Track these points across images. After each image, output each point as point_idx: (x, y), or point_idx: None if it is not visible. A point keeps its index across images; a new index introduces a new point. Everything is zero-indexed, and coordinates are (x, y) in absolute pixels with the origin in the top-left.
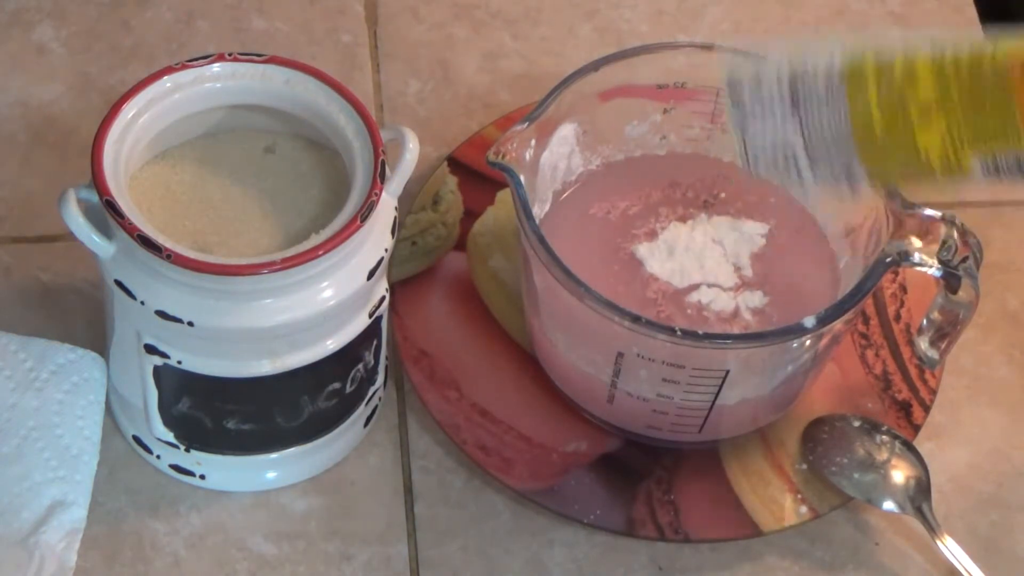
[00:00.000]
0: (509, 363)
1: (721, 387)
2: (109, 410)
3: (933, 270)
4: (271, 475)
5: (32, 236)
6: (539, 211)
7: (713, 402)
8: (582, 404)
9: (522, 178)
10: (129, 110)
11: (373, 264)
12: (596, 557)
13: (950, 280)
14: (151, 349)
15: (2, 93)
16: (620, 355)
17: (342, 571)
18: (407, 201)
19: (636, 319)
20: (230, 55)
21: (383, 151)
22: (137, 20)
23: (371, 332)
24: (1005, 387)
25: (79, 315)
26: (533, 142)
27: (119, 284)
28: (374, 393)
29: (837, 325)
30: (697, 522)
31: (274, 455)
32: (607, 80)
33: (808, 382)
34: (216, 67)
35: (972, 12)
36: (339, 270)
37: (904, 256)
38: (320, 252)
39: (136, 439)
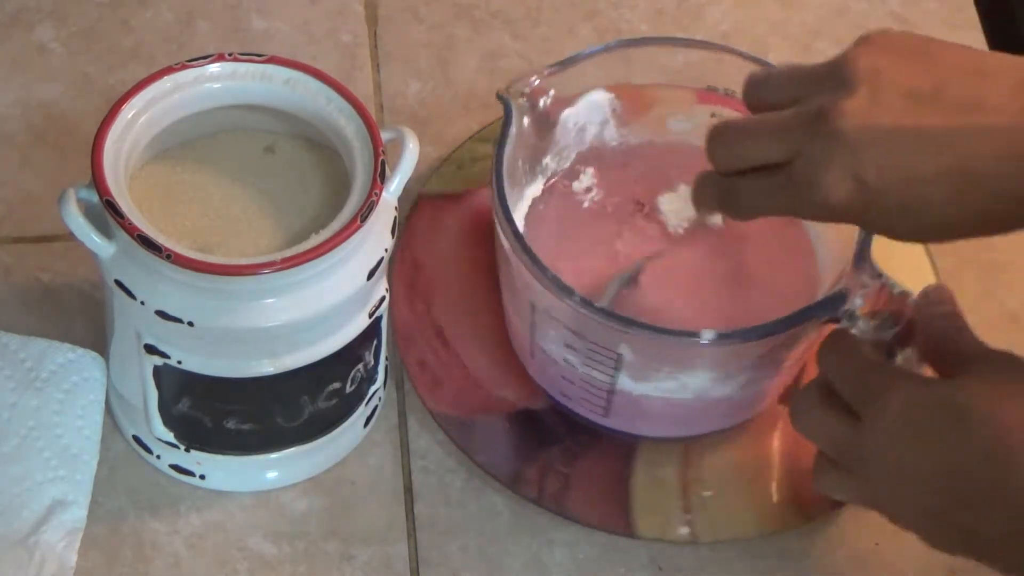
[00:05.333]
0: (486, 302)
1: (617, 370)
2: (109, 410)
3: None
4: (271, 475)
5: (32, 236)
6: (555, 165)
7: (613, 385)
8: (517, 353)
9: (526, 122)
10: (129, 110)
11: (373, 264)
12: (596, 557)
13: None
14: (151, 349)
15: (2, 93)
16: (533, 307)
17: (342, 571)
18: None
19: (542, 270)
20: (230, 55)
21: (383, 151)
22: (137, 20)
23: (371, 332)
24: None
25: (79, 315)
26: (552, 92)
27: (119, 284)
28: (374, 393)
29: (744, 349)
30: (578, 501)
31: (274, 455)
32: (645, 61)
33: (738, 402)
34: (216, 67)
35: (972, 12)
36: (339, 270)
37: (842, 315)
38: (320, 252)
39: (136, 439)
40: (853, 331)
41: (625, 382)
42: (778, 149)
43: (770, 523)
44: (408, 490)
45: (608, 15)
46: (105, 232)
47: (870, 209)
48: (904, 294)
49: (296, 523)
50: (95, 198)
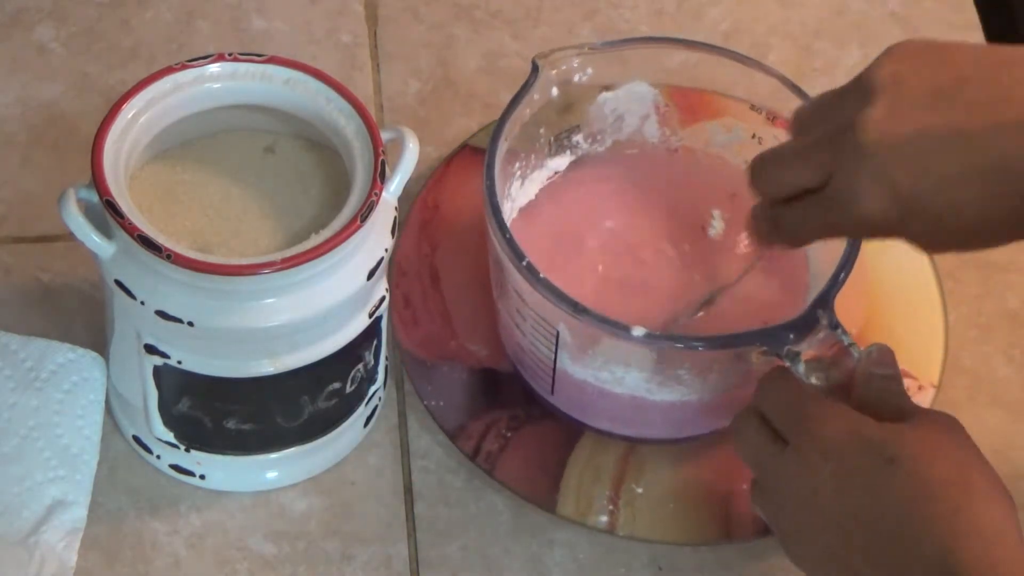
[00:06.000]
0: (485, 261)
1: (558, 348)
2: (109, 410)
3: (806, 380)
4: (271, 475)
5: (32, 236)
6: (587, 145)
7: (555, 363)
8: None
9: (555, 92)
10: (129, 110)
11: (373, 264)
12: (596, 557)
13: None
14: (151, 349)
15: (2, 93)
16: (497, 263)
17: (342, 571)
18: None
19: (502, 227)
20: (230, 55)
21: (383, 151)
22: (137, 20)
23: (371, 332)
24: (1005, 387)
25: (79, 315)
26: (590, 70)
27: (119, 284)
28: (374, 393)
29: (673, 356)
30: (510, 465)
31: (274, 455)
32: (693, 64)
33: (681, 414)
34: (216, 67)
35: (972, 12)
36: (339, 270)
37: (784, 354)
38: (320, 252)
39: (136, 439)
40: (794, 372)
41: (566, 362)
42: (812, 172)
43: (692, 534)
44: (408, 490)
45: (608, 15)
46: (105, 232)
47: (909, 217)
48: (851, 348)
49: (296, 523)
50: (95, 198)
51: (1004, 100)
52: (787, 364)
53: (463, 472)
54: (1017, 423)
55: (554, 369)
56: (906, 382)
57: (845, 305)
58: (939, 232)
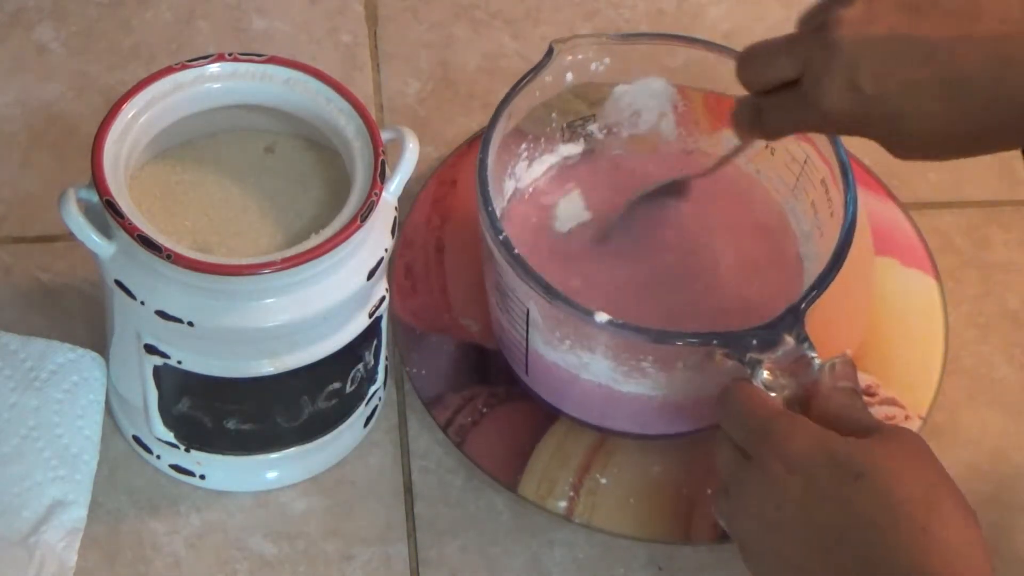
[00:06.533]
0: None
1: (529, 328)
2: (109, 410)
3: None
4: (271, 475)
5: (32, 236)
6: (603, 136)
7: (527, 344)
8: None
9: (569, 77)
10: (129, 110)
11: (373, 264)
12: (596, 557)
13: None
14: (151, 349)
15: (2, 93)
16: (483, 238)
17: (342, 571)
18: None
19: (485, 198)
20: (230, 55)
21: (383, 151)
22: (137, 20)
23: (371, 332)
24: (1005, 387)
25: (79, 315)
26: (607, 60)
27: (119, 284)
28: (374, 393)
29: (635, 346)
30: (480, 441)
31: (274, 455)
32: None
33: (648, 409)
34: (216, 67)
35: None
36: (339, 270)
37: (747, 360)
38: (320, 252)
39: (136, 439)
40: (754, 380)
41: (537, 343)
42: (791, 64)
43: (648, 530)
44: (408, 490)
45: (608, 15)
46: (105, 232)
47: (870, 118)
48: (813, 360)
49: (296, 523)
50: (95, 198)
51: (974, 15)
52: (748, 371)
53: (463, 472)
54: (1017, 423)
55: (527, 349)
56: (894, 410)
57: (844, 320)
58: (899, 135)
